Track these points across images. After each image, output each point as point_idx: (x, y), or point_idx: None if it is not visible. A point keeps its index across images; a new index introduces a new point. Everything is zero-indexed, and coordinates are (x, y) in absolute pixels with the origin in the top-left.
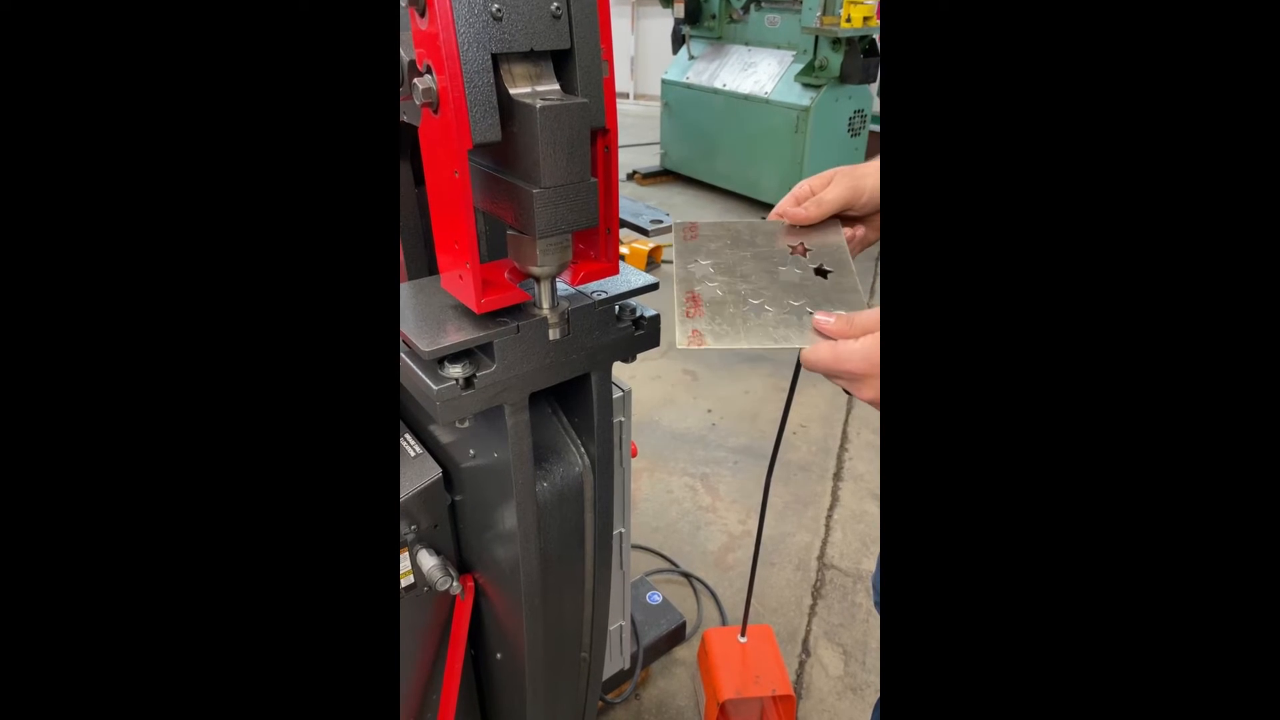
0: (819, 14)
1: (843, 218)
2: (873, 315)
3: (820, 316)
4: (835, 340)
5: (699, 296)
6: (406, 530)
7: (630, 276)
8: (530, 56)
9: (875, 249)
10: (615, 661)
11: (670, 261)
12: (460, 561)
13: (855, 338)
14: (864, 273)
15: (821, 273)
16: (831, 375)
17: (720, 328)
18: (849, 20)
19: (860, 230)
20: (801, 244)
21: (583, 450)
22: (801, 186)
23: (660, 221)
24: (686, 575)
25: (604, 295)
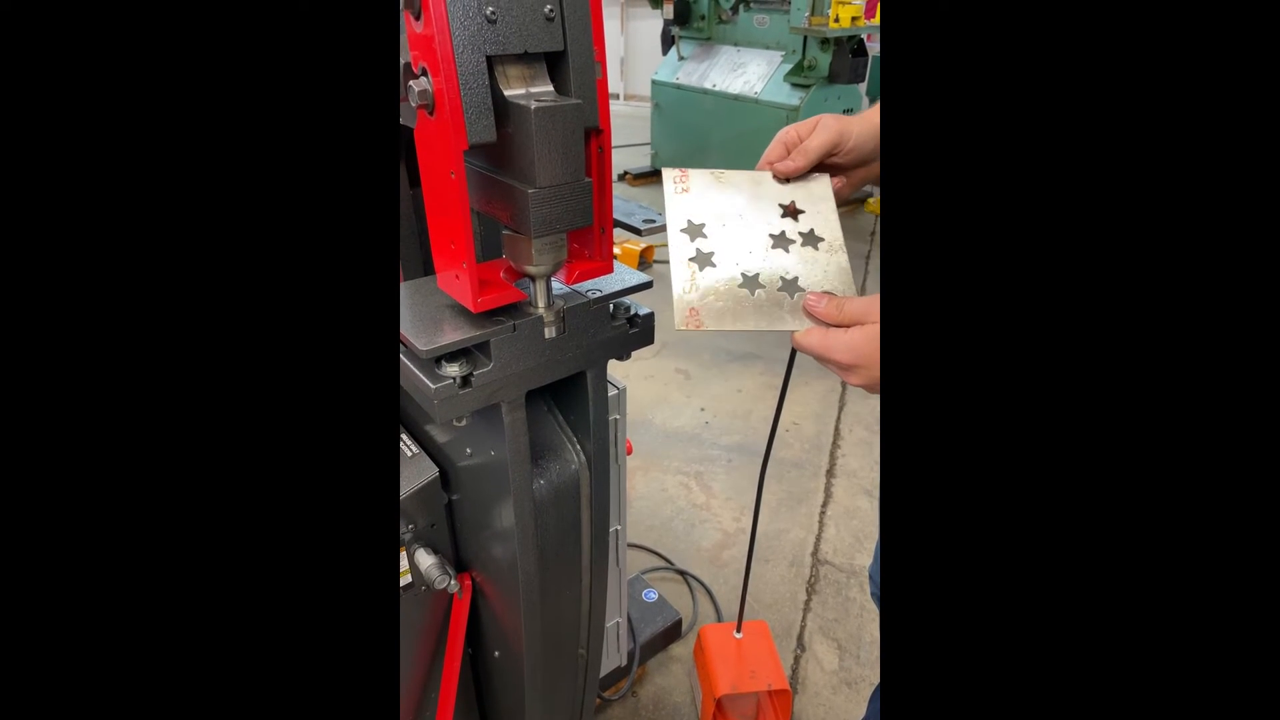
0: (807, 14)
1: (825, 166)
2: (862, 304)
3: (811, 299)
4: (826, 328)
5: (695, 269)
6: (404, 529)
7: (624, 275)
8: (524, 58)
9: (869, 221)
10: (612, 659)
11: (663, 261)
12: (458, 560)
13: (845, 326)
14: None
15: (813, 240)
16: (820, 361)
17: (717, 308)
18: (837, 20)
19: (839, 181)
20: (793, 203)
21: (579, 448)
22: (788, 132)
23: (653, 221)
24: (682, 573)
25: (599, 294)
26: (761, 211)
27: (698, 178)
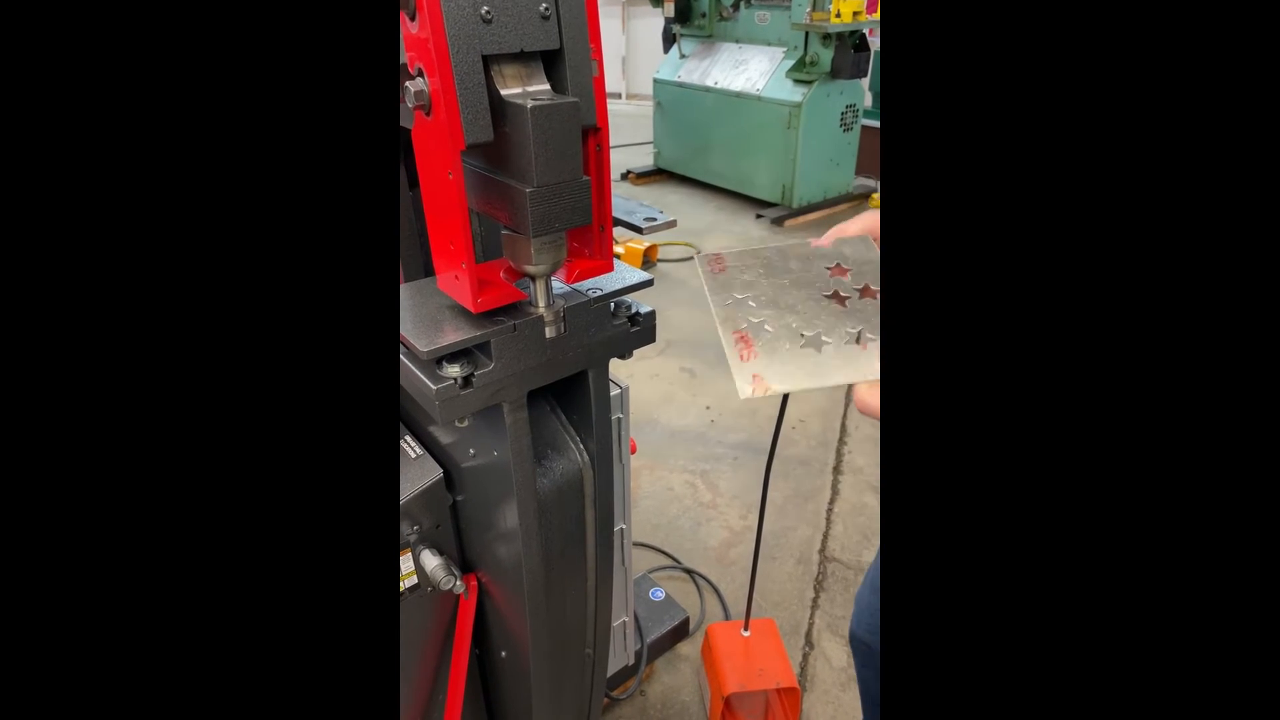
0: (808, 10)
1: None
2: None
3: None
4: None
5: (749, 336)
6: (409, 531)
7: (625, 273)
8: (520, 57)
9: None
10: (619, 658)
11: (667, 260)
12: (463, 561)
13: None
14: None
15: (869, 292)
16: None
17: (781, 368)
18: (838, 15)
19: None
20: (838, 264)
21: (582, 447)
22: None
23: (654, 219)
24: (689, 571)
25: (599, 293)
26: (806, 274)
27: (732, 257)
